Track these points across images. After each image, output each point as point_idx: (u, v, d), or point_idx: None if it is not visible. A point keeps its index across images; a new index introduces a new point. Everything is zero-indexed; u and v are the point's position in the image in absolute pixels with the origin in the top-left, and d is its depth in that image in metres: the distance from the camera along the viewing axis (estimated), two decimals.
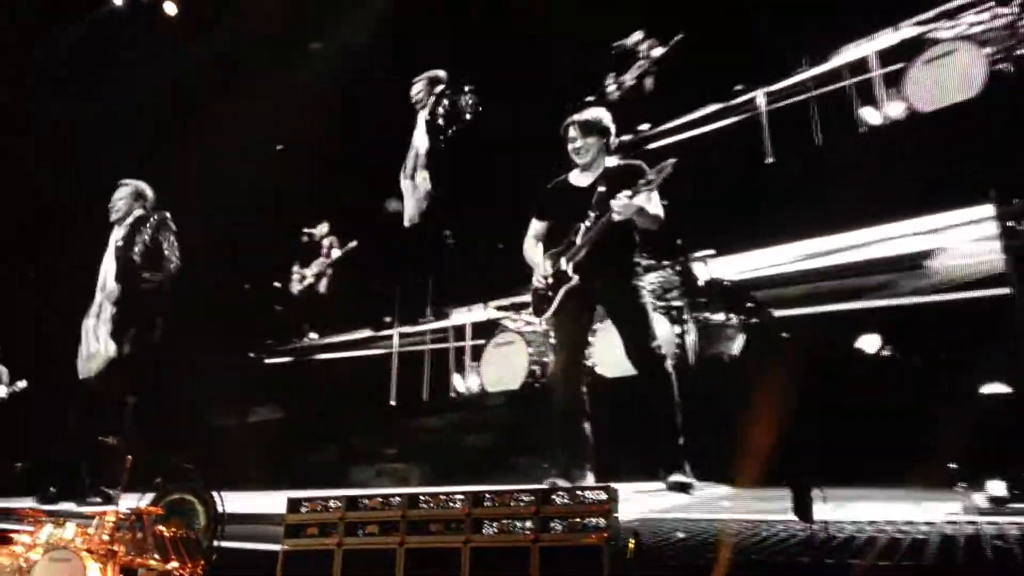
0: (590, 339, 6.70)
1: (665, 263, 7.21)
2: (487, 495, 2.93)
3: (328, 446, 7.77)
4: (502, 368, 7.43)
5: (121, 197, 6.73)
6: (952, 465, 3.77)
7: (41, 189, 10.27)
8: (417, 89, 9.05)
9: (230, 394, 9.47)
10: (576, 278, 5.01)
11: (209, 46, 10.35)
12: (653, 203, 4.98)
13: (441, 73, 9.07)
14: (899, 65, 7.28)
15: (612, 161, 5.28)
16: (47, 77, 10.30)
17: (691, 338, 6.76)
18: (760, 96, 8.09)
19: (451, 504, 2.99)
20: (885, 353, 5.88)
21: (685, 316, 6.84)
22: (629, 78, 8.10)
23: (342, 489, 6.60)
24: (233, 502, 4.44)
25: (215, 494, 4.08)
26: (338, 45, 10.34)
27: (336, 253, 10.51)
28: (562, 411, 5.07)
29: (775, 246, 7.48)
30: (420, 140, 8.94)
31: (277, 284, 10.93)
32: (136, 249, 6.43)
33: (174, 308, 6.64)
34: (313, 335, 10.42)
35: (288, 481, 6.73)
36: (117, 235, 6.64)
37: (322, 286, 10.64)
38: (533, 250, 5.39)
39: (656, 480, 4.93)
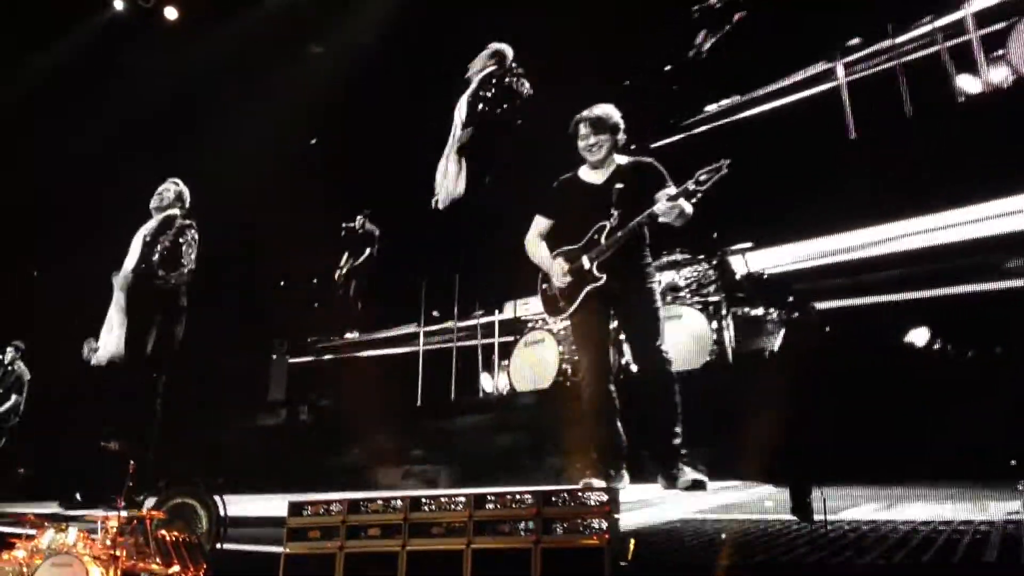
0: (622, 337, 6.52)
1: (701, 257, 6.95)
2: (489, 497, 2.86)
3: (353, 448, 7.58)
4: (532, 367, 7.22)
5: (168, 189, 6.65)
6: (1012, 462, 3.46)
7: (51, 189, 10.25)
8: (474, 63, 8.67)
9: (253, 396, 9.35)
10: (604, 278, 4.80)
11: (221, 44, 10.25)
12: (687, 203, 4.74)
13: (505, 49, 8.64)
14: (1000, 25, 6.59)
15: (622, 159, 5.04)
16: (54, 83, 10.30)
17: (729, 333, 6.49)
18: (839, 66, 7.46)
19: (453, 507, 2.92)
20: (936, 346, 5.52)
21: (723, 311, 6.59)
22: (706, 43, 7.67)
23: (367, 492, 6.52)
24: (238, 505, 4.32)
25: (217, 498, 3.91)
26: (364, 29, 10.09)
27: (367, 251, 10.34)
28: (593, 411, 4.90)
29: (844, 232, 6.98)
30: (462, 120, 8.57)
31: (315, 280, 10.82)
32: (157, 248, 6.36)
33: (201, 308, 6.53)
34: (351, 334, 10.26)
35: (311, 484, 6.54)
36: (147, 229, 6.54)
37: (353, 285, 10.50)
38: (537, 248, 5.17)
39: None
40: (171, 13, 10.58)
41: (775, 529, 3.04)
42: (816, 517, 2.83)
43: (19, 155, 9.94)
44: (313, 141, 11.19)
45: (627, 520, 3.41)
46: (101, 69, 10.26)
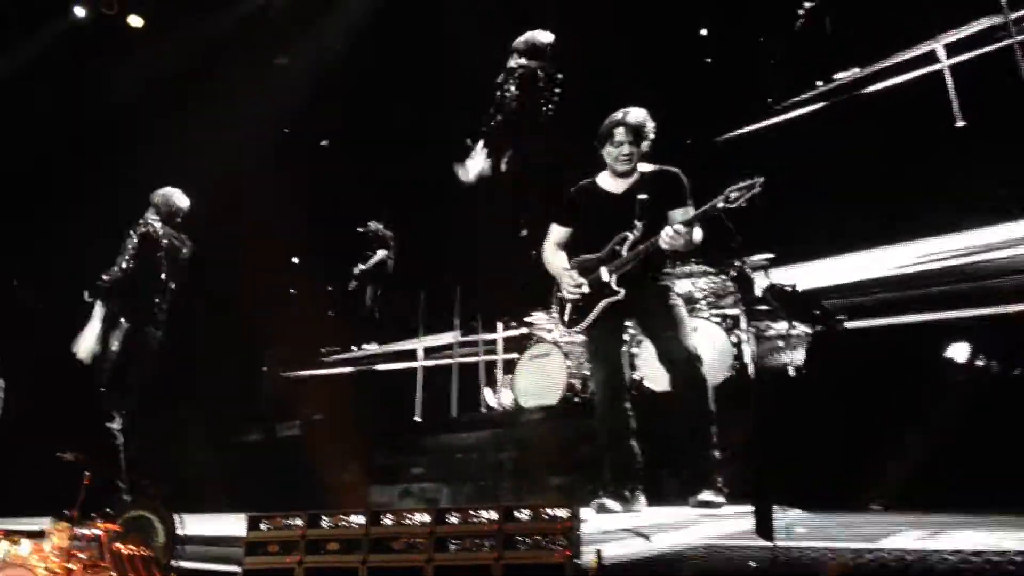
0: (634, 351, 6.19)
1: (719, 268, 6.59)
2: (450, 512, 2.76)
3: (348, 465, 7.23)
4: (538, 381, 6.86)
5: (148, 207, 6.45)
6: None
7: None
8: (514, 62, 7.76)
9: (242, 410, 9.04)
10: (622, 292, 4.55)
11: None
12: (698, 230, 4.51)
13: (539, 37, 7.63)
14: None
15: (646, 166, 4.74)
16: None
17: (749, 348, 6.10)
18: (939, 47, 6.81)
19: (414, 522, 2.79)
20: (978, 364, 5.08)
21: (742, 325, 6.21)
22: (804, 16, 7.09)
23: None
24: (218, 524, 4.20)
25: (176, 516, 3.66)
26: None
27: (380, 254, 10.05)
28: (607, 429, 4.67)
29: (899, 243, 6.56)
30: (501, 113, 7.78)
31: (329, 288, 10.53)
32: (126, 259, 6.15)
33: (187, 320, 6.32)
34: (369, 346, 9.92)
35: (298, 503, 6.18)
36: (130, 241, 6.30)
37: (368, 293, 10.21)
38: (554, 257, 4.93)
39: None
40: (135, 20, 10.27)
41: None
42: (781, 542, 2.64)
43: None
44: (324, 143, 10.94)
45: (643, 546, 3.09)
46: (66, 73, 10.06)
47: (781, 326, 6.28)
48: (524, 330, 7.59)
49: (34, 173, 9.73)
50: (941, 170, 6.38)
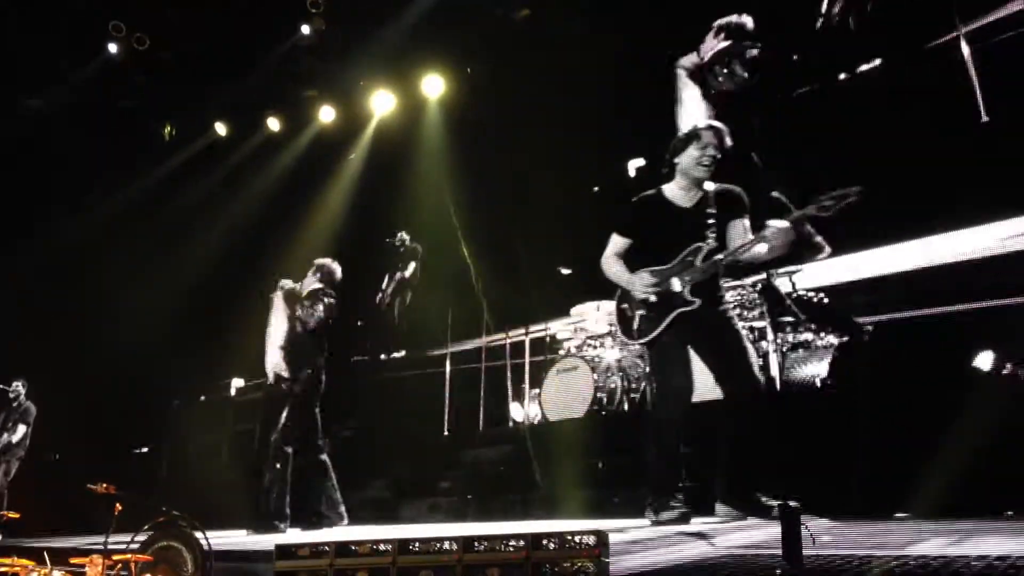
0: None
1: (745, 280, 6.54)
2: (478, 540, 2.70)
3: (376, 481, 7.26)
4: (565, 395, 6.89)
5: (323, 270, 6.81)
6: None
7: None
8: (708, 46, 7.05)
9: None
10: (697, 302, 4.49)
11: None
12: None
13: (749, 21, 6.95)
14: None
15: (710, 185, 4.68)
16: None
17: (776, 360, 6.06)
18: (962, 38, 6.54)
19: (442, 549, 2.73)
20: (1006, 369, 5.01)
21: (768, 336, 6.16)
22: (836, 11, 6.74)
23: (392, 525, 6.23)
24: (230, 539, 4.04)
25: (200, 535, 3.68)
26: None
27: (411, 268, 10.07)
28: (663, 440, 4.56)
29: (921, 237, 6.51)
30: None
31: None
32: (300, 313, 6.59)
33: None
34: (397, 353, 9.95)
35: (330, 519, 6.23)
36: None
37: (397, 303, 10.21)
38: (613, 266, 4.83)
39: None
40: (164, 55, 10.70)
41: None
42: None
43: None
44: (351, 156, 11.10)
45: (668, 556, 3.10)
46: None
47: (807, 336, 6.24)
48: (549, 331, 7.60)
49: None
50: (967, 162, 6.28)
